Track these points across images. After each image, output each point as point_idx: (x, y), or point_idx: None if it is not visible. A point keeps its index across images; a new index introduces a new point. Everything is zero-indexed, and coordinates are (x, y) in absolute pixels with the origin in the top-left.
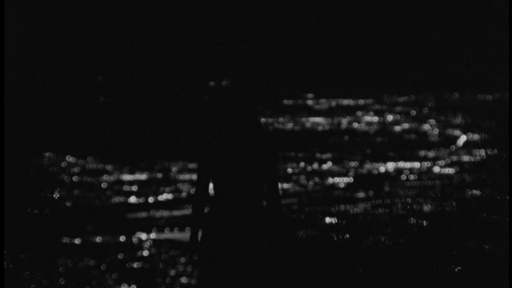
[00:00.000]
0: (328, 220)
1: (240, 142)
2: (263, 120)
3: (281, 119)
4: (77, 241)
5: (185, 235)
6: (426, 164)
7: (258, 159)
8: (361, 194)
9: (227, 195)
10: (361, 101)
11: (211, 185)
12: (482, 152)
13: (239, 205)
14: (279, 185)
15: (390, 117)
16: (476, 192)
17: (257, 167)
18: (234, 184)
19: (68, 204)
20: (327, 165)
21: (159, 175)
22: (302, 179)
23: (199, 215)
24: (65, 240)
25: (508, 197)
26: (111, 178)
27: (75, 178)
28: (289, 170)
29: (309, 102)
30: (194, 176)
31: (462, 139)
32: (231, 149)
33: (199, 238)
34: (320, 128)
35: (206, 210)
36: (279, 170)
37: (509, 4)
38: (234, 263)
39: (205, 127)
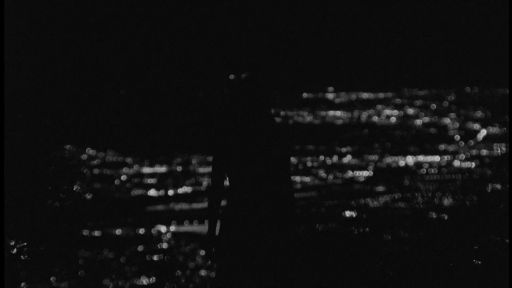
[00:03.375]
0: (348, 213)
1: (253, 136)
2: (282, 113)
3: (301, 112)
4: (96, 233)
5: (204, 228)
6: (446, 158)
7: (271, 153)
8: (380, 188)
9: (242, 189)
10: (381, 95)
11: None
12: (502, 146)
13: (254, 198)
14: (292, 178)
15: (410, 111)
16: (496, 186)
17: (270, 160)
18: (248, 177)
19: (88, 196)
20: (346, 159)
21: (179, 168)
22: (322, 172)
23: (215, 208)
24: (85, 232)
25: None
26: (131, 170)
27: (95, 171)
28: (309, 164)
29: (329, 95)
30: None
31: (482, 133)
32: (244, 142)
33: (217, 231)
34: (339, 121)
35: (222, 203)
36: (292, 163)
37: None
38: (252, 256)
39: (219, 121)
